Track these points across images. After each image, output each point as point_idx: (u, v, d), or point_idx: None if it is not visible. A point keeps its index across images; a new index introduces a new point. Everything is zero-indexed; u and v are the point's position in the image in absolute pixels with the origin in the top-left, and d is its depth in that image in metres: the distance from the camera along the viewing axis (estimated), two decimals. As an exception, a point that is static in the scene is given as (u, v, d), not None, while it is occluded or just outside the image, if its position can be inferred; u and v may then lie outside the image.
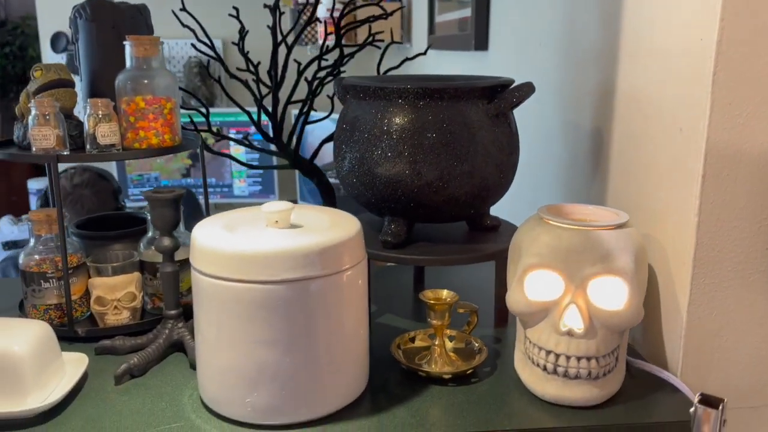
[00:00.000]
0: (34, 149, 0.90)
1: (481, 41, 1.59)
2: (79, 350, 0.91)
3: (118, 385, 0.83)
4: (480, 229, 1.03)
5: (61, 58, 3.78)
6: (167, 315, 0.90)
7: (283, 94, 1.13)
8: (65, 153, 0.92)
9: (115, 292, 0.93)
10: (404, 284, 1.18)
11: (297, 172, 3.46)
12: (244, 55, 1.12)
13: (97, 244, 1.02)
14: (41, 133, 0.89)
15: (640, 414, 0.76)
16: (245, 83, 1.13)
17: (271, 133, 1.12)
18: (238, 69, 1.13)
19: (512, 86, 0.93)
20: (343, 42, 1.12)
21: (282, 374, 0.72)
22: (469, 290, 1.12)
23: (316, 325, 0.72)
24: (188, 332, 0.90)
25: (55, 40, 3.78)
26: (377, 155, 0.90)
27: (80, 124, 0.98)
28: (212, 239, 0.73)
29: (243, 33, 1.11)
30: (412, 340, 0.91)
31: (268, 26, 1.08)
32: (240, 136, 3.77)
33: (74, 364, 0.83)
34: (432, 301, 0.85)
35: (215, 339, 0.73)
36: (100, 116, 0.91)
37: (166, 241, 0.88)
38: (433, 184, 0.89)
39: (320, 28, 2.83)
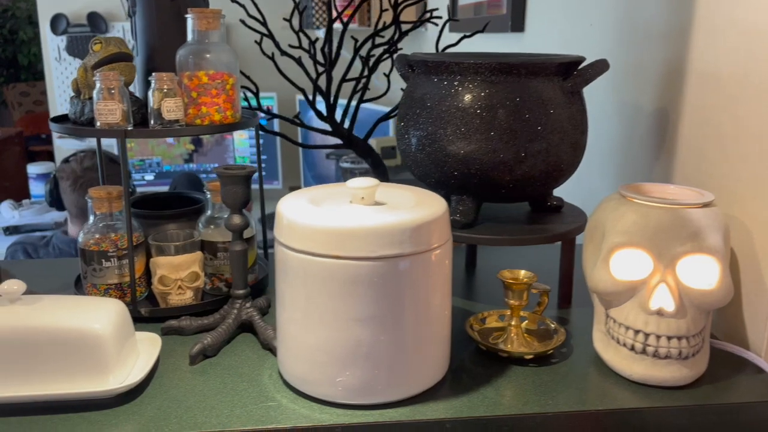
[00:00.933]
0: (98, 124, 0.88)
1: (517, 22, 1.57)
2: (142, 330, 0.89)
3: (193, 365, 0.81)
4: (543, 210, 1.02)
5: (61, 40, 3.71)
6: (236, 294, 0.88)
7: (335, 74, 1.10)
8: (130, 128, 0.89)
9: (179, 272, 0.91)
10: (456, 264, 1.17)
11: (302, 158, 3.44)
12: (299, 31, 1.09)
13: (153, 223, 0.99)
14: (107, 107, 0.86)
15: (727, 394, 0.76)
16: (298, 60, 1.11)
17: (324, 113, 1.10)
18: (290, 46, 1.10)
19: (586, 63, 0.91)
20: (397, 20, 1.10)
21: (376, 352, 0.70)
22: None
23: (409, 303, 0.71)
24: (257, 312, 0.88)
25: (55, 21, 3.71)
26: (449, 132, 0.89)
27: (138, 99, 0.96)
28: (303, 215, 0.71)
29: (300, 8, 1.08)
30: (483, 320, 0.90)
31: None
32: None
33: (147, 343, 0.81)
34: (510, 281, 0.84)
35: (303, 317, 0.72)
36: (165, 90, 0.89)
37: (237, 219, 0.86)
38: (508, 163, 0.88)
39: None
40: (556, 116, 0.88)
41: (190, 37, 0.94)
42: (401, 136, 0.97)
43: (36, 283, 1.06)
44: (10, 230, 3.32)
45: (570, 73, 0.90)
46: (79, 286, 1.00)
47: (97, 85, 0.87)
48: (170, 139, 3.38)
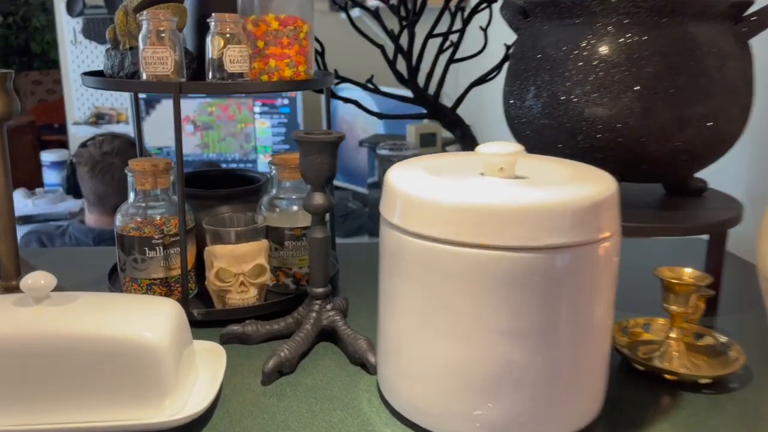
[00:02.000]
0: (144, 76, 0.69)
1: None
2: (198, 336, 0.71)
3: (268, 384, 0.63)
4: (680, 193, 0.83)
5: (77, 23, 3.55)
6: (315, 294, 0.70)
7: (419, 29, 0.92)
8: (184, 81, 0.71)
9: (241, 264, 0.73)
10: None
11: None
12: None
13: (202, 205, 0.81)
14: (156, 55, 0.68)
15: None
16: (375, 12, 0.92)
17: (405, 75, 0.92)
18: (365, -4, 0.91)
19: (761, 7, 0.72)
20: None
21: (530, 377, 0.52)
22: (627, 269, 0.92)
23: (569, 311, 0.52)
24: (340, 316, 0.70)
25: (71, 3, 3.54)
26: (587, 91, 0.70)
27: (189, 52, 0.78)
28: (430, 189, 0.52)
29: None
30: (625, 330, 0.72)
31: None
32: (265, 109, 3.50)
33: (207, 356, 0.63)
34: (672, 281, 0.65)
35: (426, 327, 0.53)
36: (228, 36, 0.70)
37: (319, 198, 0.67)
38: (665, 129, 0.69)
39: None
40: (728, 71, 0.69)
41: (255, -28, 0.75)
42: (514, 101, 0.78)
43: (59, 276, 0.88)
44: (23, 220, 3.16)
45: (742, 16, 0.71)
46: (114, 281, 0.82)
47: (144, 27, 0.68)
48: (190, 127, 3.20)
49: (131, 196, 0.75)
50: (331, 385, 0.63)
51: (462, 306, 0.51)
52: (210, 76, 0.71)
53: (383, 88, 0.95)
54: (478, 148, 0.56)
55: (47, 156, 3.71)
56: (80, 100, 3.64)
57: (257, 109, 3.30)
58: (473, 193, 0.51)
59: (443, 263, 0.51)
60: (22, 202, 3.28)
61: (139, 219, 0.75)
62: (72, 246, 1.97)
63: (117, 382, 0.53)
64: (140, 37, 0.69)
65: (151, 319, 0.56)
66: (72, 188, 2.18)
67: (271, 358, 0.63)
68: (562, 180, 0.56)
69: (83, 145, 2.05)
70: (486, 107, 2.06)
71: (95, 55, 3.52)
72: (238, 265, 0.73)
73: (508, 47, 0.88)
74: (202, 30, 0.73)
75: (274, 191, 0.81)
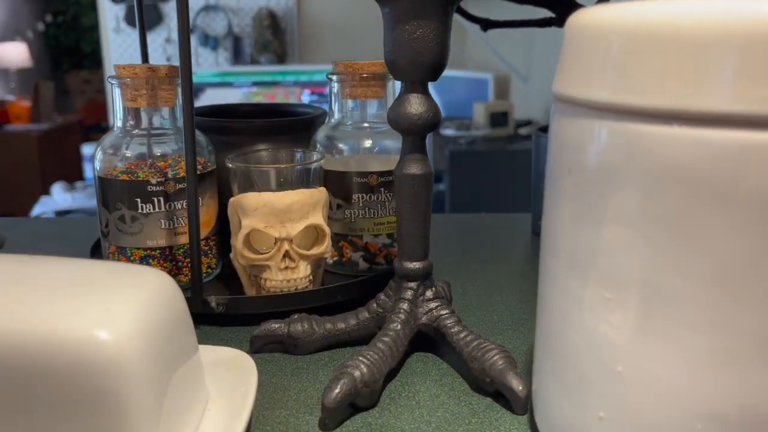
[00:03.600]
0: None
1: None
2: (216, 339, 0.43)
3: (332, 430, 0.35)
4: None
5: (120, 9, 3.39)
6: (408, 272, 0.41)
7: None
8: None
9: (287, 225, 0.45)
10: None
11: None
12: None
13: (229, 142, 0.53)
14: None
15: None
16: None
17: None
18: None
19: None
20: None
21: None
22: None
23: None
24: (448, 310, 0.41)
25: (114, -11, 3.38)
26: None
27: None
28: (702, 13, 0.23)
29: None
30: None
31: None
32: (314, 98, 3.29)
33: (227, 374, 0.36)
34: None
35: (670, 314, 0.24)
36: None
37: (418, 103, 0.39)
38: None
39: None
40: None
41: None
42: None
43: (31, 248, 0.63)
44: (61, 215, 3.00)
45: None
46: (97, 254, 0.55)
47: None
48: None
49: (117, 123, 0.49)
50: (442, 428, 0.35)
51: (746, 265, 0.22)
52: None
53: None
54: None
55: (89, 149, 3.56)
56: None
57: (305, 98, 3.06)
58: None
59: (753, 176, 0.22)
60: (62, 196, 3.12)
61: (129, 154, 0.48)
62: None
63: (44, 420, 0.26)
64: None
65: (114, 304, 0.28)
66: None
67: (338, 379, 0.35)
68: None
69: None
70: None
71: (138, 43, 3.35)
72: (280, 225, 0.45)
73: None
74: None
75: (335, 118, 0.53)
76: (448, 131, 2.04)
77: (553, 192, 0.30)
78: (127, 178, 0.47)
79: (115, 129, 0.49)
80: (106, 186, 0.48)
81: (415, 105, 0.39)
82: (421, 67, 0.38)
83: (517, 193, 1.92)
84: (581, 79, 0.27)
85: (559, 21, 0.64)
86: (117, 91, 0.48)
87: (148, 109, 0.48)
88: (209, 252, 0.51)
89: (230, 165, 0.47)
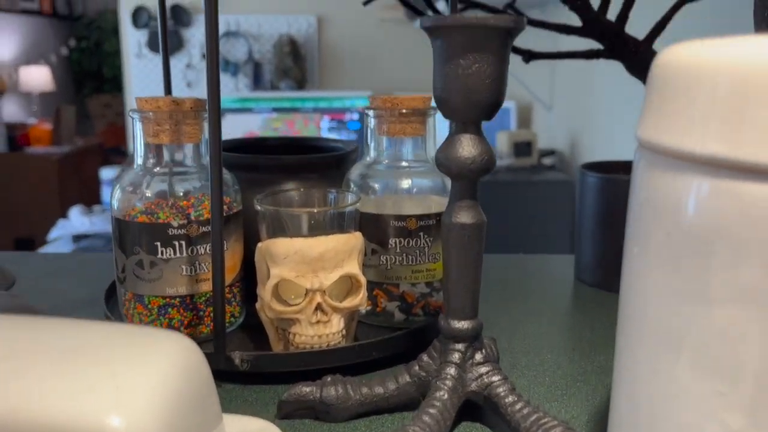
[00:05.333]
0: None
1: None
2: (239, 401, 0.39)
3: None
4: None
5: (142, 35, 3.41)
6: (456, 332, 0.37)
7: None
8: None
9: (320, 274, 0.41)
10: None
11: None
12: None
13: (253, 180, 0.50)
14: None
15: None
16: None
17: None
18: None
19: None
20: None
21: None
22: None
23: None
24: (500, 376, 0.37)
25: (137, 15, 3.41)
26: None
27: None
28: None
29: None
30: None
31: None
32: (333, 124, 3.28)
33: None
34: None
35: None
36: None
37: (470, 146, 0.35)
38: None
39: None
40: None
41: None
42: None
43: (46, 288, 0.59)
44: (78, 238, 2.98)
45: None
46: (112, 302, 0.52)
47: None
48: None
49: (137, 160, 0.45)
50: None
51: None
52: None
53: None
54: None
55: (107, 173, 3.56)
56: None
57: (324, 125, 3.05)
58: None
59: None
60: (80, 220, 3.10)
61: (149, 194, 0.44)
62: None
63: None
64: None
65: (126, 379, 0.24)
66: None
67: (380, 462, 0.31)
68: None
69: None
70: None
71: (160, 69, 3.37)
72: (312, 274, 0.41)
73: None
74: None
75: (370, 156, 0.49)
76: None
77: (643, 256, 0.25)
78: (147, 220, 0.43)
79: (135, 167, 0.45)
80: (123, 228, 0.44)
81: (467, 147, 0.35)
82: (476, 106, 0.34)
83: (543, 224, 1.87)
84: (680, 126, 0.23)
85: (607, 52, 0.60)
86: (138, 126, 0.44)
87: (170, 145, 0.44)
88: (233, 299, 0.47)
89: (259, 207, 0.43)
